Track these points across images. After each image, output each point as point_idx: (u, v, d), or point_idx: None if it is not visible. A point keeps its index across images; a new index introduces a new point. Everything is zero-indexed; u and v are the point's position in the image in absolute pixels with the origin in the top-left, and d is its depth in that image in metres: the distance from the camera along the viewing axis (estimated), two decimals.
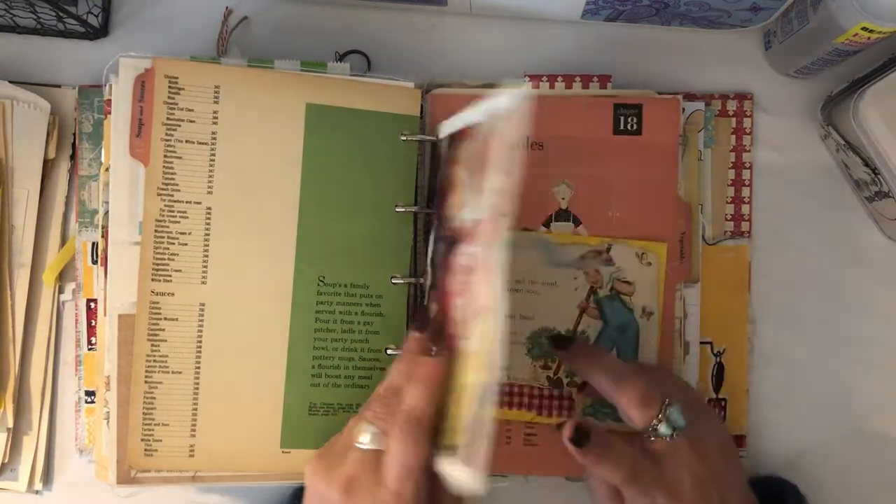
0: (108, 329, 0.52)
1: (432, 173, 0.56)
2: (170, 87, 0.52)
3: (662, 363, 0.56)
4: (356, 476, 0.44)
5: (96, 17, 0.58)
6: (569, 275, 0.56)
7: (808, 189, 0.60)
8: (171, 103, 0.52)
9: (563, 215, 0.56)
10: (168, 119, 0.52)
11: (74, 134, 0.59)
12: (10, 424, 0.56)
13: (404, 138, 0.55)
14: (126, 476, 0.52)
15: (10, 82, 0.57)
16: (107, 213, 0.53)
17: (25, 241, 0.57)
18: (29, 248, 0.57)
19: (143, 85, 0.52)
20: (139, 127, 0.52)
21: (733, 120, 0.60)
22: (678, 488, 0.47)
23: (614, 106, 0.56)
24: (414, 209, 0.55)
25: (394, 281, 0.54)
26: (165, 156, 0.52)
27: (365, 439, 0.45)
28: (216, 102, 0.53)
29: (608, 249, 0.56)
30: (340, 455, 0.45)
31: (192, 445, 0.52)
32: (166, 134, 0.52)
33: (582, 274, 0.56)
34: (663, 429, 0.47)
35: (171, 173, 0.52)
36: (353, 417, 0.47)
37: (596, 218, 0.56)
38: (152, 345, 0.52)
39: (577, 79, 0.58)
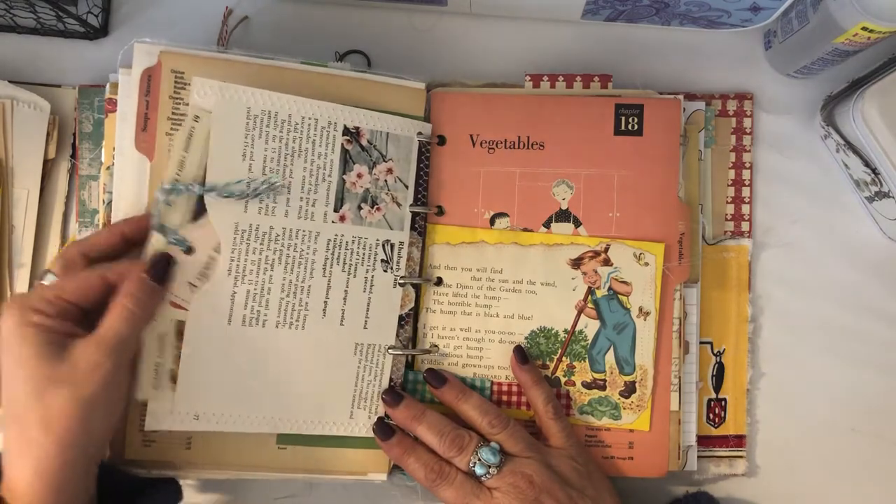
0: None
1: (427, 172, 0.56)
2: (176, 81, 0.52)
3: (659, 363, 0.56)
4: None
5: (96, 17, 0.58)
6: (567, 275, 0.56)
7: (808, 189, 0.60)
8: (177, 98, 0.52)
9: (563, 216, 0.56)
10: (174, 114, 0.52)
11: (74, 134, 0.58)
12: None
13: (420, 139, 0.55)
14: (120, 457, 0.52)
15: (10, 82, 0.57)
16: (109, 203, 0.53)
17: (25, 241, 0.57)
18: (29, 248, 0.57)
19: (149, 79, 0.52)
20: (145, 121, 0.52)
21: (733, 120, 0.60)
22: None
23: (615, 106, 0.56)
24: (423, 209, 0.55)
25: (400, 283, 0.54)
26: (170, 150, 0.52)
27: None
28: (239, 85, 0.52)
29: (606, 250, 0.56)
30: None
31: (189, 438, 0.52)
32: (171, 128, 0.52)
33: (580, 274, 0.56)
34: (479, 469, 0.50)
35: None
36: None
37: (596, 218, 0.56)
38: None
39: (578, 78, 0.58)
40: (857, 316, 0.60)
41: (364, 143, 0.53)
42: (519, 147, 0.56)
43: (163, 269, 0.49)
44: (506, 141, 0.56)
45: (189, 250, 0.50)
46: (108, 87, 0.55)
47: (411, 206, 0.55)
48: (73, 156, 0.59)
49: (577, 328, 0.56)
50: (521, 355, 0.55)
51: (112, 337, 0.45)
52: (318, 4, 0.60)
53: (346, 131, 0.53)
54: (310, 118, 0.52)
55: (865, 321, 0.60)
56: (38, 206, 0.58)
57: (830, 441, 0.60)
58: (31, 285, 0.57)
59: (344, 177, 0.53)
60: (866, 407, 0.60)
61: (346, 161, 0.53)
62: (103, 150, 0.56)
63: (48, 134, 0.58)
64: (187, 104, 0.51)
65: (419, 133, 0.55)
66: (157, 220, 0.49)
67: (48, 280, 0.47)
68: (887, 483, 0.60)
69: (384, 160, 0.54)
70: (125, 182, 0.51)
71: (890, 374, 0.60)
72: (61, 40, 0.60)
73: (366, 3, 0.60)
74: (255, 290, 0.51)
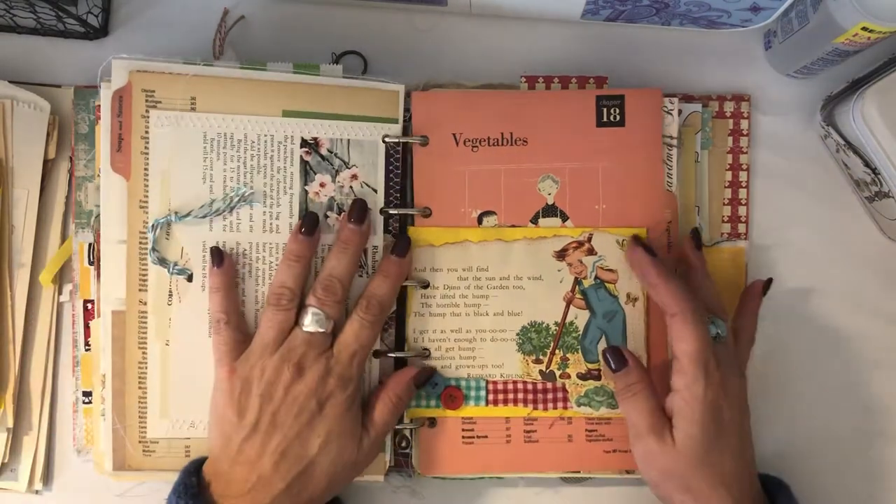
0: (101, 324, 0.53)
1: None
2: (147, 100, 0.52)
3: (651, 349, 0.56)
4: (305, 354, 0.50)
5: (96, 17, 0.58)
6: (552, 267, 0.56)
7: (807, 189, 0.60)
8: (149, 117, 0.52)
9: (550, 210, 0.56)
10: (146, 133, 0.52)
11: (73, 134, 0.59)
12: (10, 424, 0.56)
13: (387, 141, 0.55)
14: (122, 463, 0.53)
15: (10, 82, 0.58)
16: (97, 216, 0.54)
17: (25, 241, 0.57)
18: (29, 248, 0.57)
19: (120, 100, 0.52)
20: (119, 142, 0.52)
21: (731, 121, 0.59)
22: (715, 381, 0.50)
23: (597, 98, 0.56)
24: (411, 211, 0.55)
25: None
26: (146, 169, 0.52)
27: (312, 323, 0.50)
28: (193, 113, 0.53)
29: (589, 239, 0.56)
30: (274, 344, 0.50)
31: (187, 446, 0.53)
32: (146, 147, 0.52)
33: (565, 265, 0.56)
34: (713, 328, 0.51)
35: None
36: (268, 314, 0.51)
37: (583, 211, 0.56)
38: (143, 352, 0.53)
39: (574, 80, 0.58)
40: (857, 316, 0.60)
41: (324, 152, 0.54)
42: (502, 144, 0.56)
43: (425, 380, 0.55)
44: (489, 138, 0.56)
45: (190, 278, 0.53)
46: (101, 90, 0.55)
47: (382, 209, 0.55)
48: (73, 156, 0.59)
49: (568, 320, 0.56)
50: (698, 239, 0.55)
51: (383, 430, 0.53)
52: (317, 4, 0.60)
53: (304, 143, 0.54)
54: (266, 135, 0.53)
55: (865, 321, 0.60)
56: (38, 206, 0.58)
57: (831, 441, 0.60)
58: (31, 285, 0.57)
59: (306, 188, 0.54)
60: (867, 407, 0.60)
61: (307, 172, 0.54)
62: (97, 153, 0.56)
63: (48, 134, 0.58)
64: None
65: (385, 136, 0.55)
66: (155, 256, 0.52)
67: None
68: (889, 482, 0.60)
69: (347, 167, 0.54)
70: (109, 198, 0.53)
71: (889, 374, 0.60)
72: (61, 40, 0.60)
73: (365, 3, 0.60)
74: None
